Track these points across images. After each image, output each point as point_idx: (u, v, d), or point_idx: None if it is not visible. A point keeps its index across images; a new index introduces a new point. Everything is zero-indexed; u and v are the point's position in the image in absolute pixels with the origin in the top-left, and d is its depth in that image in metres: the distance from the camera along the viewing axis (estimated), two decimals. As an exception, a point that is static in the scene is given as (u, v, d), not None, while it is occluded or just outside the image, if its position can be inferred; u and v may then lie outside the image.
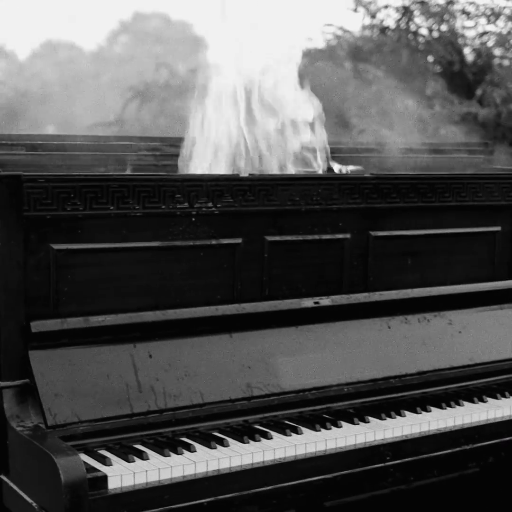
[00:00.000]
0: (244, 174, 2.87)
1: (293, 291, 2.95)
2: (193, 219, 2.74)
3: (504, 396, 3.08)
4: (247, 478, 2.46)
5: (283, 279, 2.93)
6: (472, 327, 3.26)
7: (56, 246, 2.53)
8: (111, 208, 2.59)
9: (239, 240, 2.83)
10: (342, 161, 3.32)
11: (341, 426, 2.72)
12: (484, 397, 3.04)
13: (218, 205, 2.77)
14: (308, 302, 2.94)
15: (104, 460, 2.36)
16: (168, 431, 2.60)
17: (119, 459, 2.39)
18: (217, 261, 2.80)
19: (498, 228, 3.38)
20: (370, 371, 2.98)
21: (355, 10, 11.44)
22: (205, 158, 2.92)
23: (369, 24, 11.40)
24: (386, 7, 11.05)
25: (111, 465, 2.35)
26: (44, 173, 2.54)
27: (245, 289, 2.86)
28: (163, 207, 2.68)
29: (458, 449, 2.83)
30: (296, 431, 2.65)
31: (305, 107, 3.03)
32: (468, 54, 11.04)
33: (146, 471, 2.34)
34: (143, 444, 2.51)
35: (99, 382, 2.54)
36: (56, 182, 2.51)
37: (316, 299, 2.96)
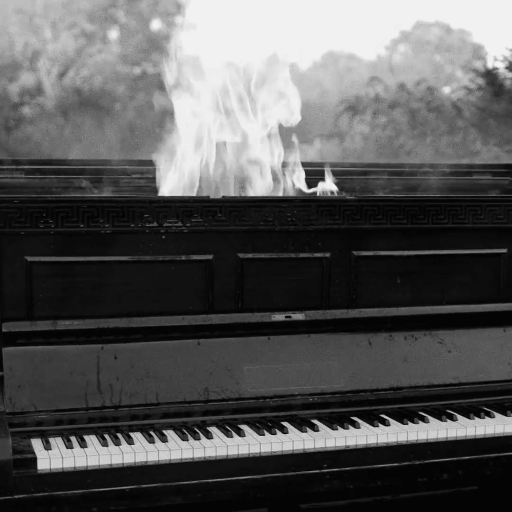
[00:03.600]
0: (216, 195, 3.12)
1: (268, 305, 3.16)
2: (163, 236, 3.04)
3: (479, 416, 3.11)
4: (172, 471, 2.72)
5: (258, 294, 3.15)
6: (465, 347, 3.30)
7: (29, 258, 2.93)
8: (81, 226, 2.95)
9: (209, 257, 3.09)
10: (350, 184, 3.49)
11: (287, 432, 2.90)
12: (454, 415, 3.09)
13: (188, 224, 3.05)
14: (279, 316, 3.14)
15: (47, 445, 2.72)
16: (124, 425, 2.91)
17: (62, 445, 2.74)
18: (188, 275, 3.08)
19: (504, 250, 3.39)
20: (339, 383, 3.13)
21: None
22: (181, 179, 3.20)
23: None
24: None
25: (51, 449, 2.70)
26: (18, 196, 2.94)
27: (217, 301, 3.11)
28: (132, 225, 3.00)
29: (406, 463, 2.92)
30: (239, 433, 2.87)
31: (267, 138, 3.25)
32: None
33: (75, 456, 2.67)
34: (96, 434, 2.84)
35: (61, 378, 2.90)
36: (29, 203, 2.91)
37: (289, 313, 3.15)
